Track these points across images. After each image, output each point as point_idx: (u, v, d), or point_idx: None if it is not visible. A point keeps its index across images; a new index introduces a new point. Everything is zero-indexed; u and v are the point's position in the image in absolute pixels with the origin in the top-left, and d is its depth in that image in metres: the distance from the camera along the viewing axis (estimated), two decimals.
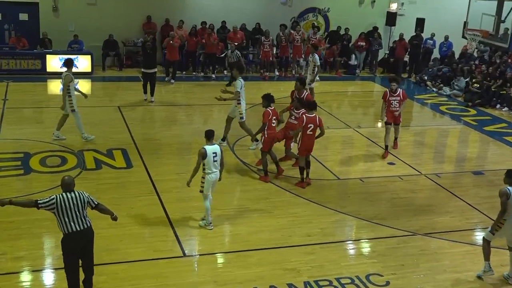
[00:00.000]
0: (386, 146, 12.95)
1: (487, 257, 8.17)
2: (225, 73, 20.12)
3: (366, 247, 9.18)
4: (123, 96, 16.98)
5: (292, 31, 20.94)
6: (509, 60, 19.63)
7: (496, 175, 11.53)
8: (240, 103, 12.45)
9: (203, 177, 8.99)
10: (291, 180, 11.31)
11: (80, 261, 6.97)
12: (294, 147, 11.68)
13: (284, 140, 11.86)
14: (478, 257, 8.45)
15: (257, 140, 12.47)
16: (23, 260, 7.98)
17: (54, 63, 18.46)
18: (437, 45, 22.34)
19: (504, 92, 18.26)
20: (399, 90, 12.92)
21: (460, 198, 11.01)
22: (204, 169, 8.94)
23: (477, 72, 19.60)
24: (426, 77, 20.78)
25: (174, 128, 14.39)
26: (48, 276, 7.79)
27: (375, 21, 22.78)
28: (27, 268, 7.85)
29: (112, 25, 19.87)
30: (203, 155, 8.83)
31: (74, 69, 12.75)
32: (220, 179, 9.26)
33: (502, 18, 16.62)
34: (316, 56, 16.14)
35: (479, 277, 8.22)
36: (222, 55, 19.97)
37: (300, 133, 10.89)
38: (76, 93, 12.61)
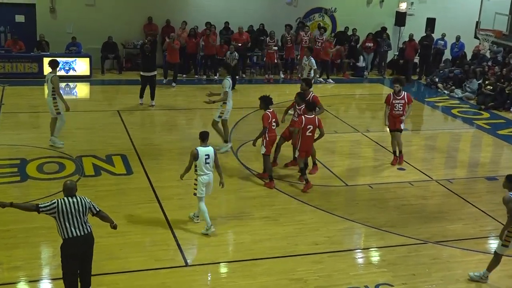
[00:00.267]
0: (394, 152, 12.85)
1: (490, 268, 8.19)
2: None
3: (375, 256, 9.16)
4: (122, 100, 17.03)
5: (300, 32, 20.93)
6: None
7: None
8: (225, 103, 12.53)
9: (195, 179, 9.17)
10: (297, 186, 11.31)
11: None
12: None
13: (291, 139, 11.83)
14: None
15: (226, 142, 12.78)
16: (20, 270, 8.00)
17: None
18: (448, 46, 22.32)
19: None
20: (403, 93, 12.53)
21: (473, 205, 10.99)
22: (196, 170, 9.13)
23: (490, 73, 19.58)
24: (437, 79, 20.76)
25: (175, 133, 14.42)
26: (46, 287, 7.80)
27: (383, 21, 22.80)
28: (24, 279, 7.87)
29: (111, 27, 19.93)
30: (194, 156, 9.04)
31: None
32: (222, 184, 9.31)
33: None
34: (312, 59, 16.14)
35: (471, 277, 8.26)
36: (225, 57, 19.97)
37: (299, 134, 10.96)
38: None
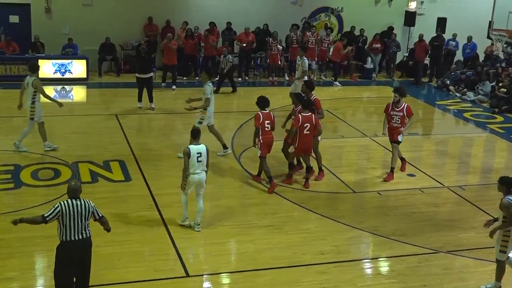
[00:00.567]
0: (401, 158, 12.65)
1: (499, 277, 8.20)
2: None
3: (384, 266, 9.15)
4: (120, 103, 17.07)
5: (306, 32, 20.94)
6: None
7: None
8: (206, 109, 12.56)
9: (186, 177, 9.27)
10: (302, 193, 11.32)
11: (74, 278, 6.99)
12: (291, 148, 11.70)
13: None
14: (507, 276, 8.40)
15: (226, 148, 12.94)
16: (14, 281, 8.01)
17: (46, 68, 18.56)
18: (460, 47, 22.35)
19: None
20: (403, 104, 11.89)
21: (486, 213, 10.95)
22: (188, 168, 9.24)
23: (504, 75, 19.56)
24: (448, 81, 20.76)
25: (175, 138, 14.43)
26: None
27: (392, 21, 22.80)
28: None
29: (109, 28, 20.01)
30: (187, 154, 9.14)
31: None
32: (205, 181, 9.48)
33: None
34: (305, 60, 15.92)
35: None
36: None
37: (297, 133, 11.06)
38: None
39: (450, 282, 8.57)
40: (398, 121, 11.92)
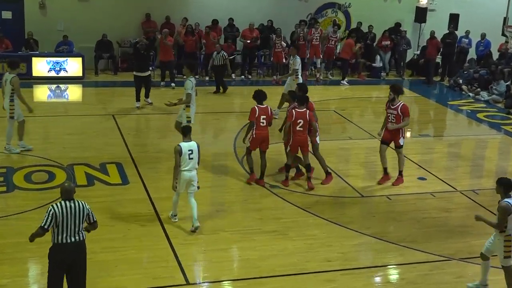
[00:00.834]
0: (385, 169, 12.23)
1: (510, 285, 8.19)
2: (233, 77, 20.19)
3: (394, 274, 9.14)
4: (118, 103, 17.09)
5: (312, 28, 20.90)
6: None
7: None
8: (189, 106, 12.59)
9: (178, 175, 9.43)
10: (307, 198, 11.30)
11: (67, 283, 6.99)
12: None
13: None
14: (494, 275, 8.41)
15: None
16: None
17: (40, 66, 18.64)
18: (473, 44, 22.31)
19: None
20: (399, 103, 11.73)
21: None
22: (180, 166, 9.37)
23: None
24: (461, 81, 20.74)
25: (174, 139, 14.30)
26: None
27: (402, 17, 22.81)
28: None
29: (106, 24, 20.03)
30: (179, 152, 9.32)
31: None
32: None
33: None
34: (298, 59, 15.56)
35: None
36: (231, 57, 19.96)
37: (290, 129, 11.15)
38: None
39: None
40: (393, 120, 11.77)
